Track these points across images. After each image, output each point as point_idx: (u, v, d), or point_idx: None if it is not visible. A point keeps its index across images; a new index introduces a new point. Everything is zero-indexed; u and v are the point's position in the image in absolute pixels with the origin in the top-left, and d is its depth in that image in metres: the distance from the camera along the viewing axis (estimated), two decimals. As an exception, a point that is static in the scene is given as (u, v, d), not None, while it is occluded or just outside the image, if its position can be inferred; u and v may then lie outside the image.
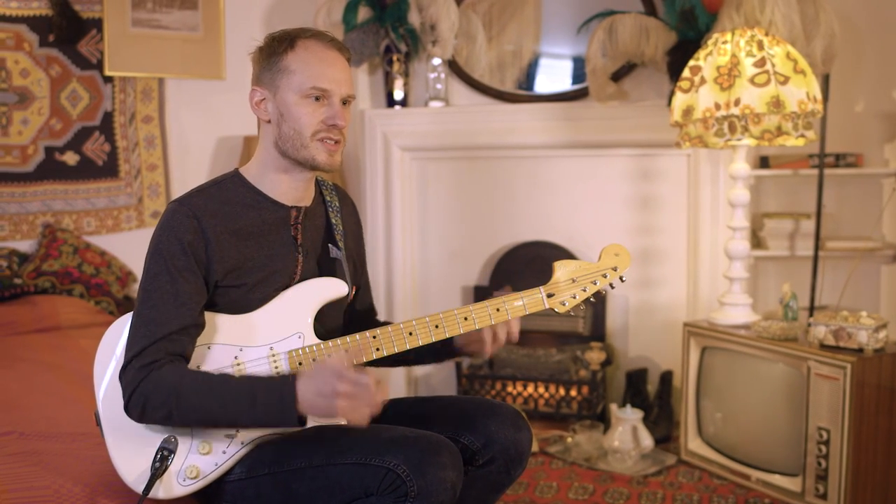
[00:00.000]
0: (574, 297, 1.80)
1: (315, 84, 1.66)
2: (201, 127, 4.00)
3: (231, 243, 1.68)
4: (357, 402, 1.52)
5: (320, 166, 1.71)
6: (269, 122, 1.72)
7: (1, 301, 3.36)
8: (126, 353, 1.61)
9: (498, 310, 1.77)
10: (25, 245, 3.64)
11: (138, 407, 1.59)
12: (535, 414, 3.54)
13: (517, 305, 1.78)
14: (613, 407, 3.21)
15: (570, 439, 3.27)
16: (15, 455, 1.89)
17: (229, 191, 1.73)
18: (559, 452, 3.22)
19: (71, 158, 3.74)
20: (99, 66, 3.76)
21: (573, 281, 1.81)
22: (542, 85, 3.84)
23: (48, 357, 2.82)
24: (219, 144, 4.02)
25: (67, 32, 3.65)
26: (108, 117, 3.81)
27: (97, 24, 3.72)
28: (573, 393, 3.49)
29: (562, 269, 1.81)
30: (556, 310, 1.80)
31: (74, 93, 3.73)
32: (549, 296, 1.79)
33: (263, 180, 1.75)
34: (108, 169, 3.83)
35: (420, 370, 3.96)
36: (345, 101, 1.71)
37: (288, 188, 1.76)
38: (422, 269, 3.95)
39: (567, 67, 3.82)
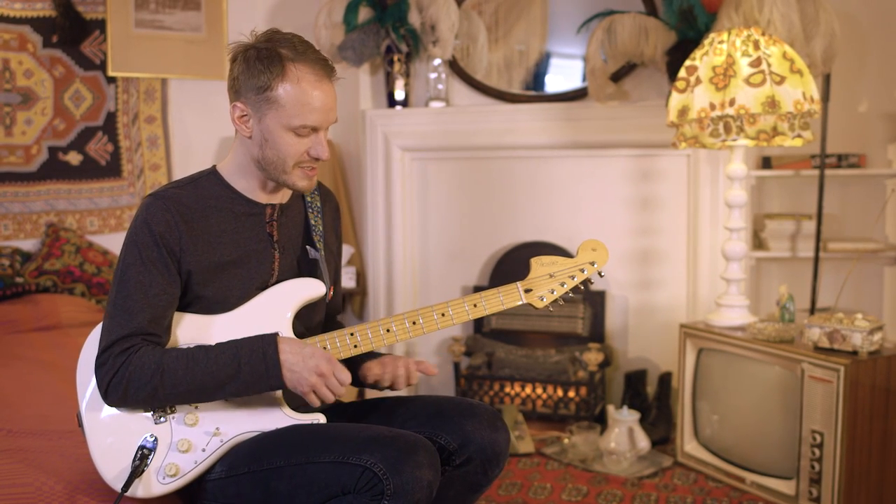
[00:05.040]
0: (552, 293, 1.80)
1: (305, 123, 1.66)
2: (204, 127, 4.02)
3: (205, 239, 1.70)
4: (325, 390, 1.62)
5: (301, 191, 1.75)
6: (249, 137, 1.71)
7: (3, 300, 3.38)
8: (100, 342, 1.64)
9: (475, 305, 1.77)
10: (29, 244, 3.67)
11: (119, 391, 1.61)
12: (533, 415, 3.53)
13: (494, 301, 1.78)
14: (610, 408, 3.20)
15: (566, 440, 3.26)
16: (1, 452, 1.90)
17: (205, 188, 1.75)
18: (555, 454, 3.21)
19: (74, 158, 3.77)
20: (102, 66, 3.79)
21: (551, 276, 1.81)
22: (555, 84, 3.84)
23: (46, 355, 2.84)
24: (222, 145, 4.04)
25: (71, 33, 3.68)
26: (111, 117, 3.83)
27: (100, 24, 3.75)
28: (571, 394, 3.48)
29: (539, 265, 1.81)
30: (534, 305, 1.80)
31: (78, 93, 3.76)
32: (527, 291, 1.79)
33: (239, 180, 1.77)
34: (111, 169, 3.86)
35: (420, 370, 3.96)
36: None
37: (262, 189, 1.78)
38: (422, 270, 3.95)
39: (578, 67, 3.80)
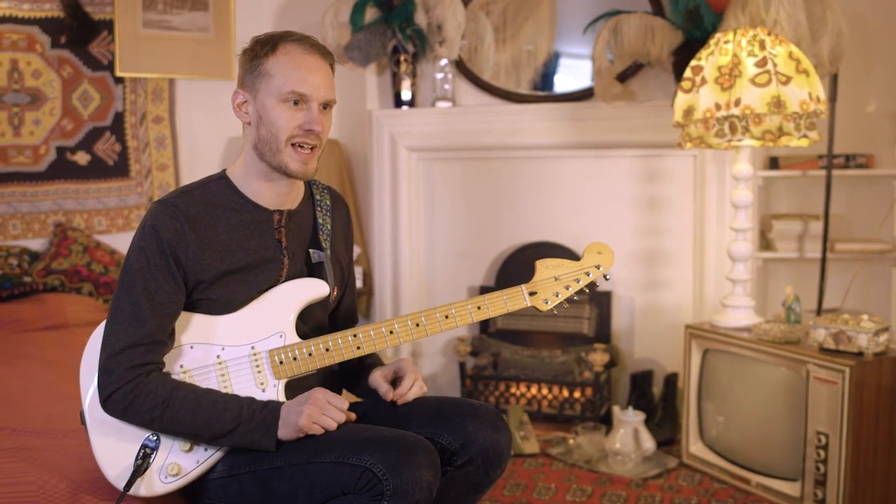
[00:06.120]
0: (557, 296, 1.80)
1: (293, 88, 1.67)
2: (211, 127, 4.03)
3: (214, 247, 1.70)
4: (324, 419, 1.63)
5: (293, 174, 1.72)
6: (249, 124, 1.73)
7: (10, 299, 3.40)
8: (105, 347, 1.64)
9: (479, 308, 1.77)
10: (37, 244, 3.69)
11: (119, 407, 1.62)
12: (539, 415, 3.53)
13: (498, 303, 1.77)
14: (616, 409, 3.19)
15: (572, 441, 3.26)
16: (5, 451, 1.91)
17: (213, 193, 1.75)
18: (560, 454, 3.21)
19: (82, 158, 3.79)
20: (110, 67, 3.80)
21: (556, 279, 1.80)
22: (564, 84, 3.83)
23: (52, 354, 2.86)
24: (229, 145, 4.05)
25: (79, 34, 3.69)
26: (118, 118, 3.85)
27: (108, 25, 3.77)
28: (577, 394, 3.48)
29: (544, 268, 1.80)
30: (539, 308, 1.79)
31: (86, 93, 3.77)
32: (531, 294, 1.79)
33: (247, 184, 1.77)
34: (119, 169, 3.87)
35: (426, 370, 3.97)
36: (325, 106, 1.72)
37: (270, 192, 1.77)
38: (428, 270, 3.96)
39: (587, 67, 3.78)
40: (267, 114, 1.69)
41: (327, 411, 1.63)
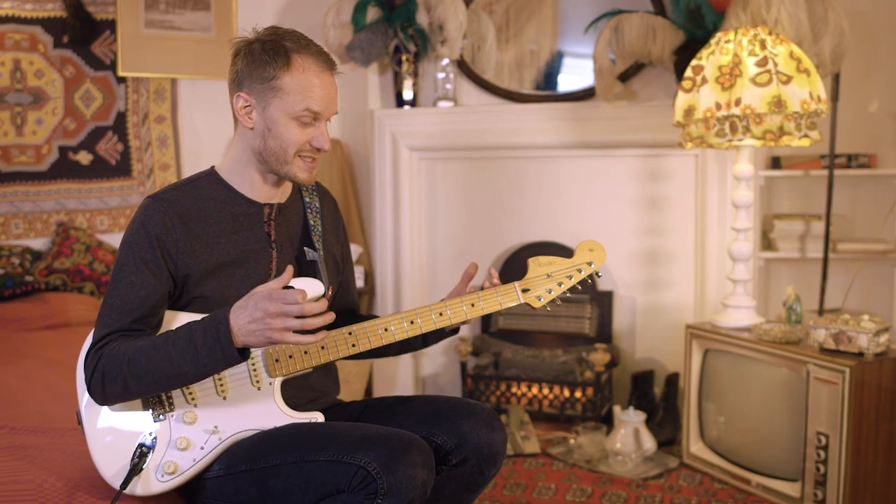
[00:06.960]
0: (549, 293, 1.80)
1: (308, 106, 1.68)
2: (213, 127, 4.04)
3: (204, 240, 1.72)
4: (291, 321, 1.50)
5: (302, 183, 1.76)
6: (251, 129, 1.73)
7: (13, 298, 3.42)
8: (91, 341, 1.66)
9: (473, 305, 1.77)
10: (39, 243, 3.70)
11: (98, 387, 1.61)
12: (540, 415, 3.53)
13: (492, 301, 1.78)
14: (616, 409, 3.19)
15: (572, 441, 3.26)
16: (3, 449, 1.92)
17: (203, 188, 1.77)
18: (561, 454, 3.20)
19: (84, 158, 3.80)
20: (112, 66, 3.81)
21: (548, 276, 1.81)
22: (568, 84, 3.83)
23: (53, 353, 2.87)
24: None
25: (81, 34, 3.70)
26: (121, 117, 3.86)
27: (111, 25, 3.78)
28: (578, 394, 3.47)
29: (536, 265, 1.82)
30: (532, 304, 1.80)
31: (88, 93, 3.78)
32: (524, 291, 1.79)
33: (237, 178, 1.78)
34: (121, 168, 3.88)
35: (427, 369, 3.97)
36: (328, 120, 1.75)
37: (261, 186, 1.80)
38: (430, 269, 3.96)
39: (591, 66, 3.77)
40: (277, 128, 1.70)
41: (294, 313, 1.50)
